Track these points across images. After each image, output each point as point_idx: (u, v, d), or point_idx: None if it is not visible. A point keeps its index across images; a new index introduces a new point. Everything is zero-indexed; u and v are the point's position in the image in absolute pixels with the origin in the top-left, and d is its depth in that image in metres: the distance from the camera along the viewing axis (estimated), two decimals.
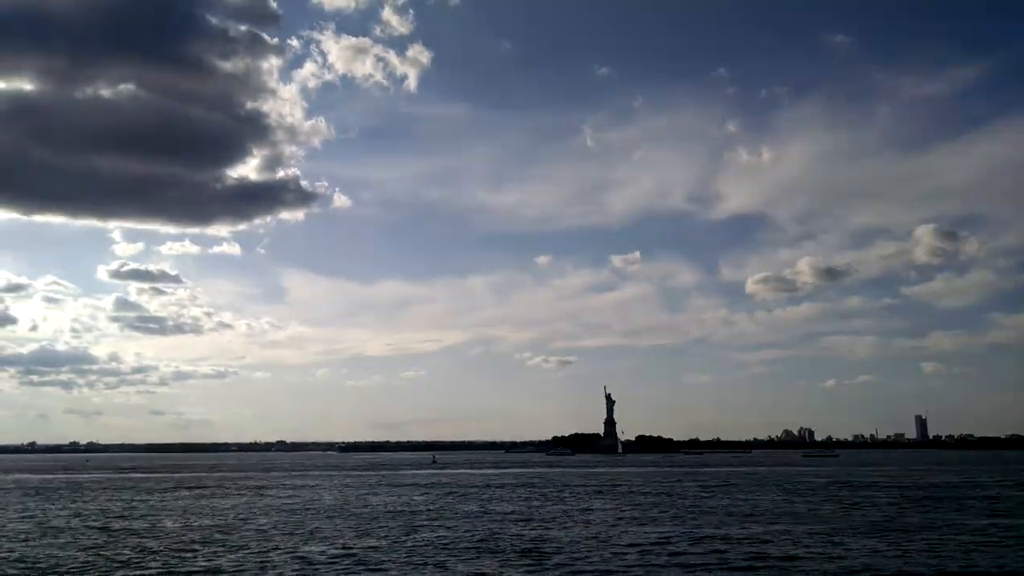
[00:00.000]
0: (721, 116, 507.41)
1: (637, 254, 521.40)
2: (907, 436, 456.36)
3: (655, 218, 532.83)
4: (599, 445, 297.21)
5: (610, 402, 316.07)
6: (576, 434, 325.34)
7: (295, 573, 29.68)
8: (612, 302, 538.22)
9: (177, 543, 38.16)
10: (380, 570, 30.28)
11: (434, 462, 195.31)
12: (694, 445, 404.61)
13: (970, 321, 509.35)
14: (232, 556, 33.87)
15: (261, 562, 32.12)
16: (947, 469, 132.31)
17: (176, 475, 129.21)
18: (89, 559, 33.32)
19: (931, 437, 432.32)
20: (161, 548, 36.40)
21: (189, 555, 34.34)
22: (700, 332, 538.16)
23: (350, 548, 36.06)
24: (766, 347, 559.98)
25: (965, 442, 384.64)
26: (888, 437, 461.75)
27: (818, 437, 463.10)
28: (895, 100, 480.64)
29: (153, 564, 31.82)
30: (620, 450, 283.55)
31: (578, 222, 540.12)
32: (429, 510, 55.96)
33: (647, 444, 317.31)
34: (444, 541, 38.29)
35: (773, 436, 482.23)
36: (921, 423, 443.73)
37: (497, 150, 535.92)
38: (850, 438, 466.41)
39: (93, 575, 29.88)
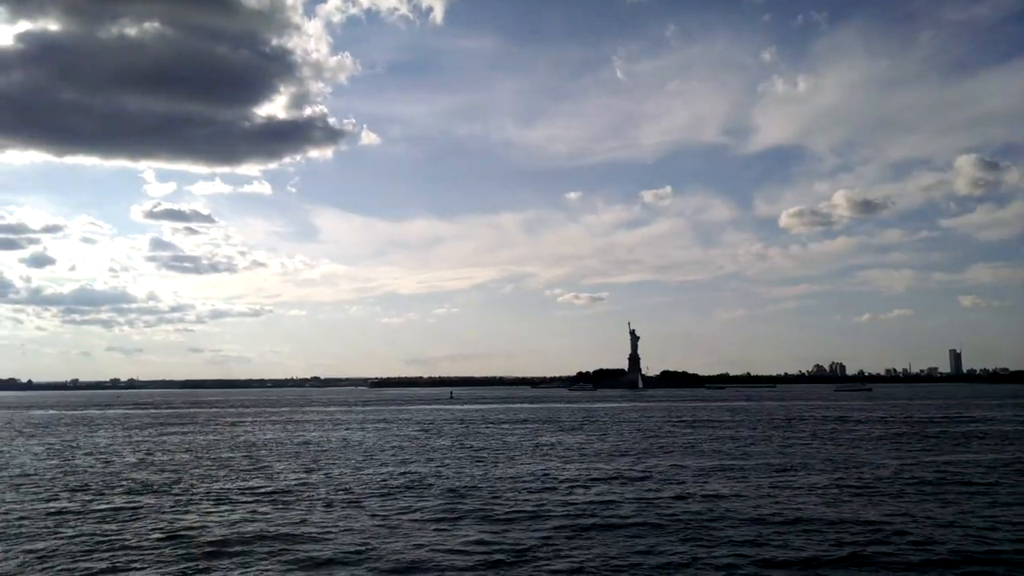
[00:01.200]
0: (756, 44, 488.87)
1: (668, 189, 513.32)
2: (941, 370, 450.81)
3: (688, 152, 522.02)
4: (622, 380, 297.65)
5: (634, 338, 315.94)
6: (600, 370, 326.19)
7: (173, 507, 28.73)
8: (643, 238, 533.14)
9: (88, 479, 37.65)
10: (288, 508, 29.18)
11: (451, 397, 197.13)
12: (722, 380, 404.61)
13: (1011, 253, 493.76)
14: (145, 497, 33.12)
15: (177, 499, 31.29)
16: (952, 403, 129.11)
17: (186, 411, 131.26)
18: None
19: (965, 371, 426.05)
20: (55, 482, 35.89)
21: (80, 491, 33.69)
22: (733, 267, 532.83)
23: (266, 486, 35.16)
24: (800, 282, 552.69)
25: (997, 376, 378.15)
26: (921, 371, 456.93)
27: (849, 372, 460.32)
28: (937, 25, 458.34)
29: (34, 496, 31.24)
30: (641, 385, 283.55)
31: (609, 157, 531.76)
32: (395, 446, 55.15)
33: (671, 379, 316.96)
34: (378, 477, 37.32)
35: (804, 371, 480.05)
36: (955, 357, 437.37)
37: (526, 84, 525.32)
38: (882, 372, 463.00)
39: None
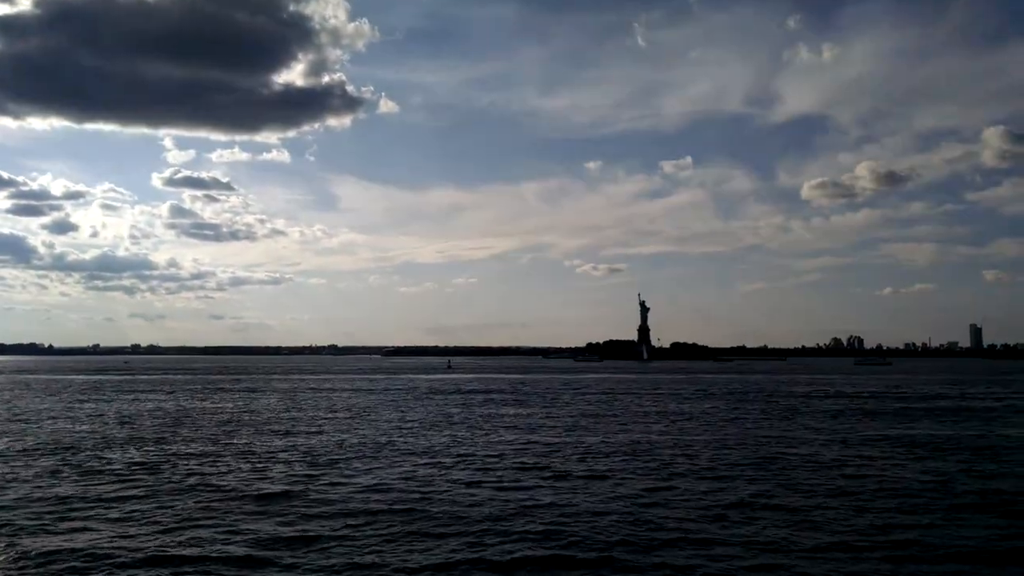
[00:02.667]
0: (781, 12, 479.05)
1: (688, 159, 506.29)
2: (961, 345, 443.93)
3: (710, 122, 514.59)
4: (630, 352, 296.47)
5: (644, 309, 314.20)
6: (610, 340, 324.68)
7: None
8: (664, 209, 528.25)
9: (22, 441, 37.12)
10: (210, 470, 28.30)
11: (448, 367, 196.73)
12: (738, 353, 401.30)
13: None
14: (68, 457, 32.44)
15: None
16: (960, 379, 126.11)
17: (181, 377, 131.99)
18: None
19: (986, 346, 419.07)
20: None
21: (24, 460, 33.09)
22: (754, 239, 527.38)
23: (166, 451, 34.34)
24: (822, 254, 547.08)
25: (1014, 351, 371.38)
26: (940, 346, 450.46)
27: (868, 345, 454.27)
28: None
29: None
30: (645, 357, 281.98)
31: (630, 126, 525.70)
32: (348, 417, 54.16)
33: (681, 351, 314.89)
34: (305, 445, 36.52)
35: (821, 344, 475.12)
36: (976, 332, 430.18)
37: (547, 52, 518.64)
38: (901, 347, 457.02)
39: None
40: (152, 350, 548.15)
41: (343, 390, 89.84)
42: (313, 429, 45.11)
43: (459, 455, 34.12)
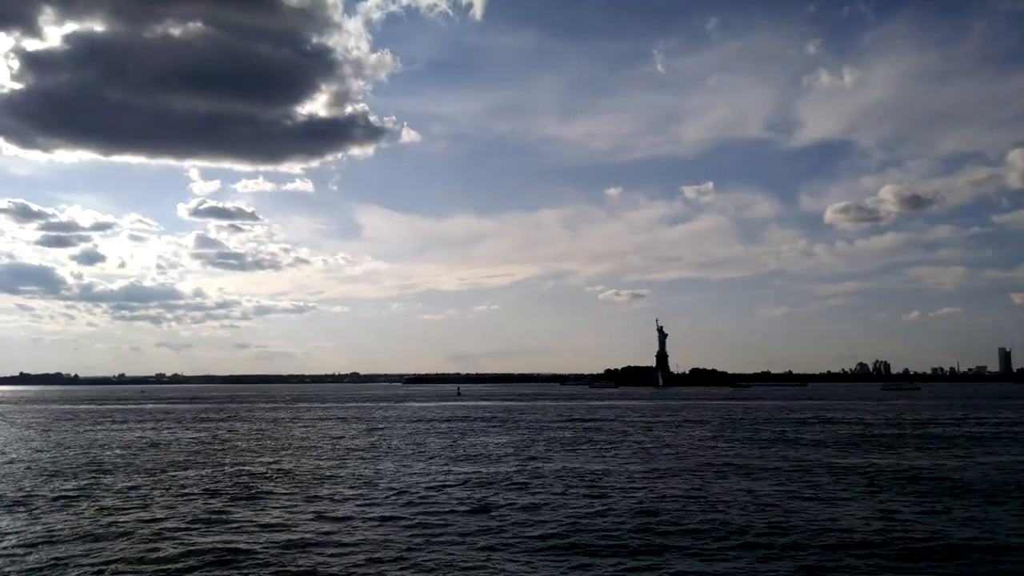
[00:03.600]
0: (800, 37, 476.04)
1: (710, 184, 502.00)
2: (990, 369, 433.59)
3: (731, 147, 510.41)
4: (647, 378, 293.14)
5: (662, 335, 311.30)
6: (628, 367, 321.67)
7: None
8: (685, 234, 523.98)
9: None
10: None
11: (458, 394, 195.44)
12: (762, 379, 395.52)
13: None
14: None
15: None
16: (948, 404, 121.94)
17: (189, 406, 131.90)
18: None
19: (1015, 371, 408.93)
20: None
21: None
22: (777, 264, 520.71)
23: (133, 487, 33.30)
24: (846, 279, 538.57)
25: None
26: (969, 370, 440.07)
27: (894, 370, 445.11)
28: (991, 15, 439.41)
29: None
30: (661, 383, 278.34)
31: (650, 152, 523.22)
32: (301, 447, 53.05)
33: (700, 377, 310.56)
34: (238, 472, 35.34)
35: (846, 369, 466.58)
36: (1005, 356, 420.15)
37: (566, 80, 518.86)
38: (928, 372, 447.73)
39: None
40: (176, 379, 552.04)
41: (334, 419, 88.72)
42: (248, 459, 43.88)
43: (388, 487, 32.71)
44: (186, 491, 32.08)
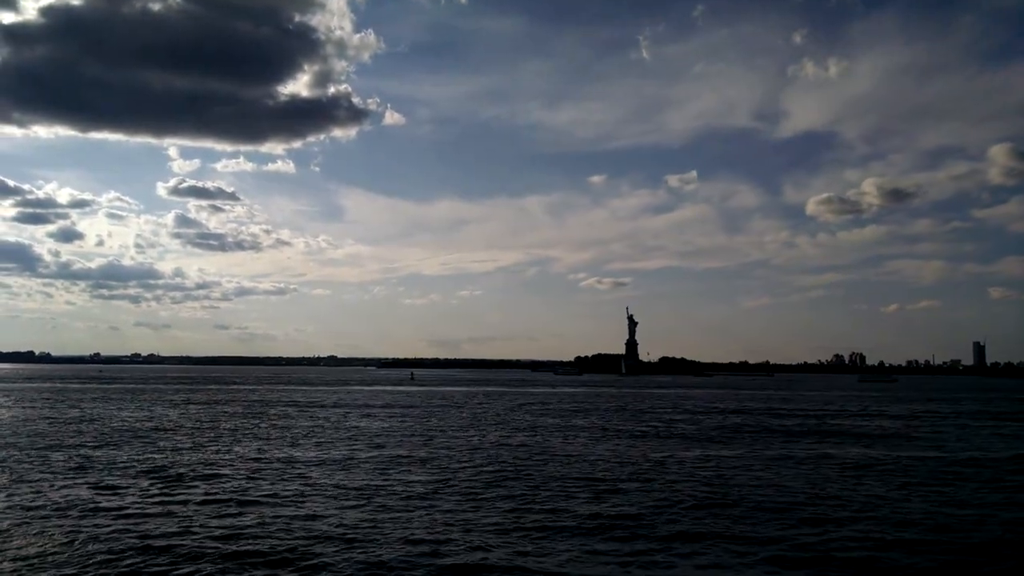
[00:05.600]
0: (787, 27, 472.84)
1: (693, 174, 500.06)
2: (964, 363, 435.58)
3: (716, 137, 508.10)
4: (613, 366, 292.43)
5: (632, 323, 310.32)
6: (598, 354, 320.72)
7: None
8: (669, 223, 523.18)
9: None
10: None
11: (412, 378, 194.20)
12: (735, 368, 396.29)
13: None
14: None
15: None
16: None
17: (137, 386, 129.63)
18: None
19: (989, 364, 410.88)
20: None
21: None
22: (759, 254, 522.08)
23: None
24: (827, 271, 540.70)
25: (1014, 369, 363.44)
26: (944, 363, 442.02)
27: (870, 362, 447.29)
28: (978, 10, 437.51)
29: None
30: (624, 371, 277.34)
31: (635, 140, 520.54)
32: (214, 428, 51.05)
33: (669, 366, 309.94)
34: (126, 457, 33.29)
35: (822, 360, 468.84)
36: (979, 349, 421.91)
37: (552, 66, 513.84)
38: (903, 364, 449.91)
39: None
40: (151, 359, 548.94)
41: (257, 401, 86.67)
42: (121, 441, 41.80)
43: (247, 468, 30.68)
44: None
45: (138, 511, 23.85)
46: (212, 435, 47.32)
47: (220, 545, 19.78)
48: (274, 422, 57.80)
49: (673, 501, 26.28)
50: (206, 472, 31.88)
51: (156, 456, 36.80)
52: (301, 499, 26.07)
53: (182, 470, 32.25)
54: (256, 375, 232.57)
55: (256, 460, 35.72)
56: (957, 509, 25.85)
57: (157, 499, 25.89)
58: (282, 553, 19.04)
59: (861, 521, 23.60)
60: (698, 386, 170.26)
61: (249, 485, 28.75)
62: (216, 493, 27.04)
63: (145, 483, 29.00)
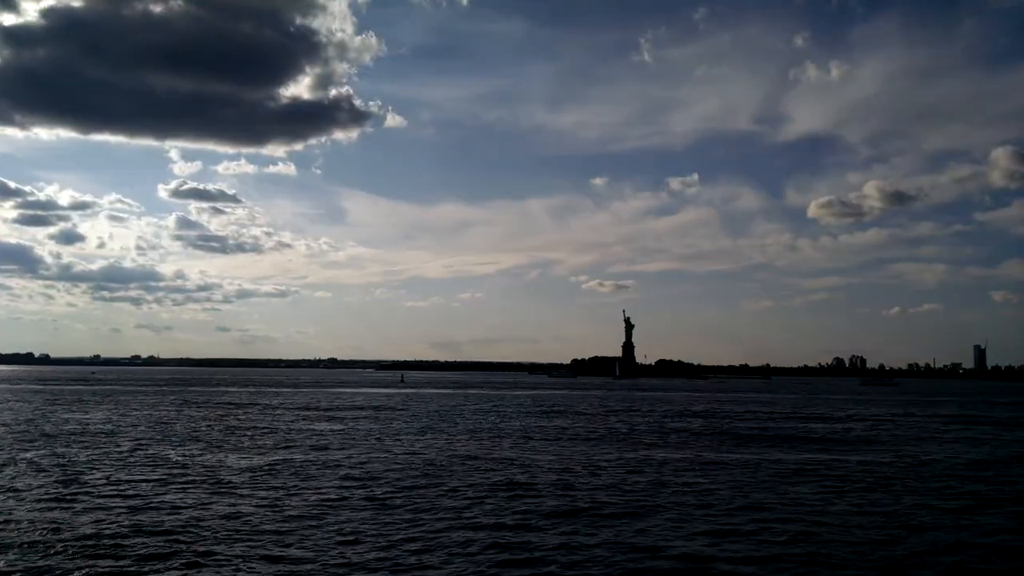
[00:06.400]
0: (789, 29, 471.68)
1: (695, 177, 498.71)
2: (964, 366, 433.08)
3: (718, 140, 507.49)
4: (608, 368, 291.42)
5: (629, 326, 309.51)
6: (595, 357, 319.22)
7: None
8: (671, 226, 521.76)
9: None
10: None
11: (402, 381, 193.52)
12: (734, 371, 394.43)
13: None
14: None
15: None
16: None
17: (115, 388, 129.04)
18: None
19: (989, 368, 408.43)
20: None
21: None
22: (761, 257, 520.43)
23: None
24: (829, 274, 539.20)
25: (1013, 372, 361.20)
26: (944, 367, 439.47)
27: (870, 365, 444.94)
28: (981, 13, 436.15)
29: None
30: (618, 374, 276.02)
31: (637, 143, 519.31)
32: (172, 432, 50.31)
33: (665, 368, 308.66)
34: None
35: (822, 363, 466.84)
36: (980, 353, 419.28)
37: (555, 69, 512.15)
38: (904, 367, 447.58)
39: None
40: (151, 361, 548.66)
41: (235, 404, 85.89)
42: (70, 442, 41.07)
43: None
44: None
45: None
46: (138, 437, 46.50)
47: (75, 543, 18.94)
48: (224, 424, 56.97)
49: (531, 509, 25.37)
50: (97, 474, 31.06)
51: (55, 458, 35.91)
52: (181, 501, 25.23)
53: (80, 470, 31.46)
54: (248, 377, 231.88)
55: (161, 463, 34.90)
56: (848, 516, 24.90)
57: (32, 498, 25.10)
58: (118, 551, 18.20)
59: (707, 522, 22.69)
60: (686, 389, 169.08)
61: (137, 487, 27.94)
62: (92, 492, 26.23)
63: (33, 482, 28.23)
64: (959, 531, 22.92)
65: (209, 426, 54.92)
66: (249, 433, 49.93)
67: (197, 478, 30.46)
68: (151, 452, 38.79)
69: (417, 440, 46.64)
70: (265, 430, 52.36)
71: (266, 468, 33.49)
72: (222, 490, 27.74)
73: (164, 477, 30.69)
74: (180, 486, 28.52)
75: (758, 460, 38.57)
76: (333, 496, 26.80)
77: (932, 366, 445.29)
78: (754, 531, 22.31)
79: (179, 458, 36.59)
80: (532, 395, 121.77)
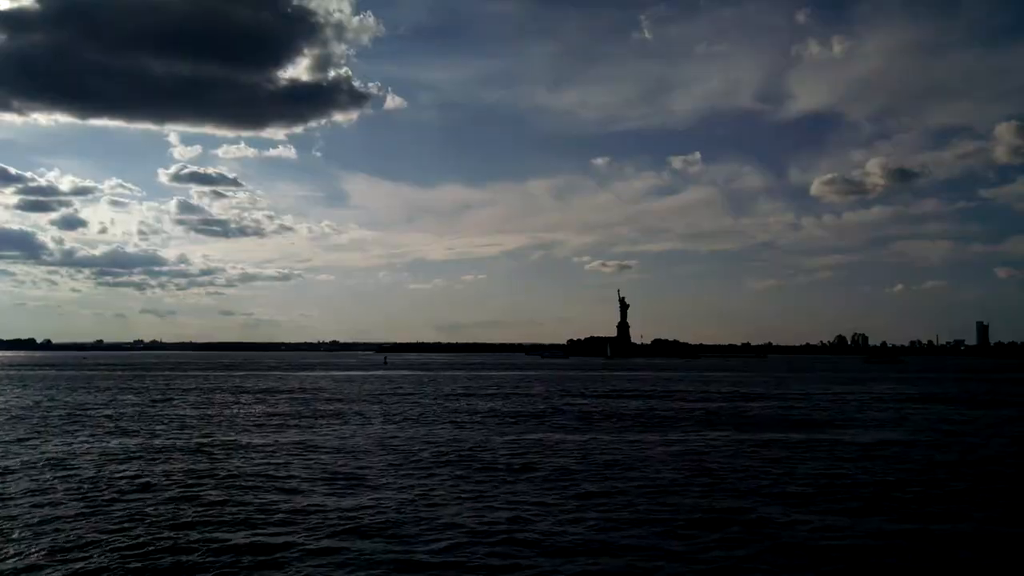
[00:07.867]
0: (791, 5, 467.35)
1: (698, 156, 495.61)
2: (967, 343, 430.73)
3: (720, 118, 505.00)
4: (601, 349, 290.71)
5: (623, 306, 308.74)
6: (591, 337, 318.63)
7: None
8: (673, 205, 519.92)
9: None
10: None
11: (385, 363, 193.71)
12: (735, 351, 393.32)
13: None
14: None
15: None
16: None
17: (99, 374, 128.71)
18: None
19: (992, 344, 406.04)
20: None
21: None
22: (764, 236, 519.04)
23: None
24: (832, 252, 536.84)
25: (1016, 348, 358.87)
26: (947, 344, 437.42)
27: (872, 343, 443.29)
28: None
29: None
30: (609, 354, 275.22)
31: (639, 123, 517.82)
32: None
33: (661, 348, 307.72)
34: None
35: (825, 342, 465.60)
36: (982, 329, 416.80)
37: (555, 48, 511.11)
38: (907, 344, 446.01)
39: None
40: (154, 346, 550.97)
41: (204, 389, 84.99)
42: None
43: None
44: None
45: None
46: (79, 420, 45.63)
47: None
48: (174, 409, 55.67)
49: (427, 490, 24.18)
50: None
51: None
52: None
53: None
54: (242, 361, 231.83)
55: (84, 445, 33.91)
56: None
57: None
58: None
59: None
60: (672, 368, 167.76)
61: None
62: None
63: None
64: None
65: (167, 412, 53.41)
66: (201, 417, 48.67)
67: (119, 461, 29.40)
68: (84, 436, 37.83)
69: (287, 423, 45.49)
70: (218, 415, 51.23)
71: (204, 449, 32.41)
72: None
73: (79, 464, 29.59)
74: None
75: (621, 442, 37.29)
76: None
77: (935, 343, 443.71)
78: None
79: (127, 441, 35.62)
80: (512, 376, 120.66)
